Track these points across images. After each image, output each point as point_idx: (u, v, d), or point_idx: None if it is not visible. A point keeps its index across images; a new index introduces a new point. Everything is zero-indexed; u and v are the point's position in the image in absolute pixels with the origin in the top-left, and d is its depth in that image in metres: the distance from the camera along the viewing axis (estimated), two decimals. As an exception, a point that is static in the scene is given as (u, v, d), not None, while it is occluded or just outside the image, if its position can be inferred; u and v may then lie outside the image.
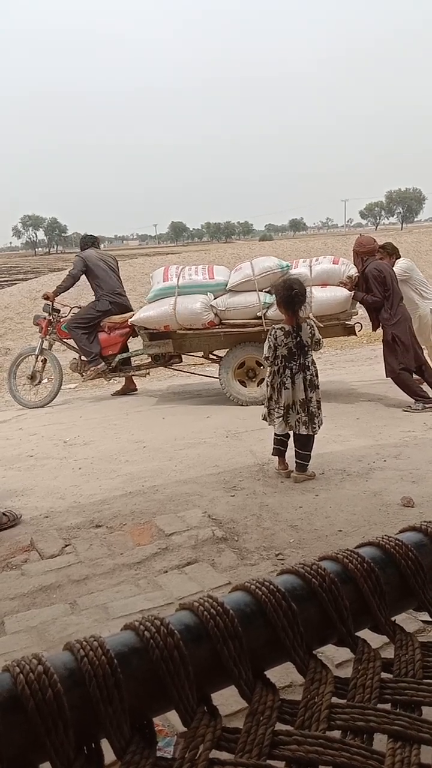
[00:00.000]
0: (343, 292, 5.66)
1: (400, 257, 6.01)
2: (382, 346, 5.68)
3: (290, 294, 3.82)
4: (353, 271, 5.79)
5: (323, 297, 5.65)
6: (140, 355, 6.53)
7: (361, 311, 6.00)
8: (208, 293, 5.86)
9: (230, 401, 5.91)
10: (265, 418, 4.02)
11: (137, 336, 6.37)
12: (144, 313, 5.96)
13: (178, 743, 0.38)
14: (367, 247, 5.61)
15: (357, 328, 5.99)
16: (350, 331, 5.98)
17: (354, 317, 5.96)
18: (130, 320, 6.19)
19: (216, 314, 5.81)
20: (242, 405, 5.83)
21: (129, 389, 6.98)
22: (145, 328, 6.02)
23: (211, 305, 5.78)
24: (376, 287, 5.41)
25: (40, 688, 0.34)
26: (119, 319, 6.49)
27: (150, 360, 6.45)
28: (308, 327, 3.90)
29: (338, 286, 5.70)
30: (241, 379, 6.02)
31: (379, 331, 5.74)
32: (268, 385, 3.98)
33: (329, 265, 5.86)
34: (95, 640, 0.37)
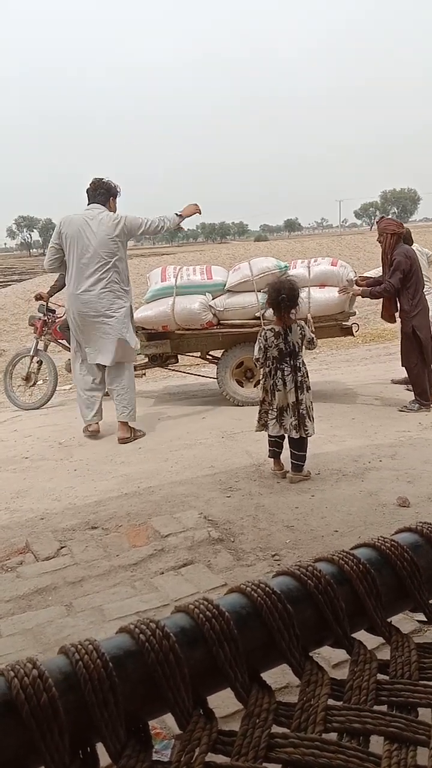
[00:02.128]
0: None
1: (412, 243, 5.91)
2: (400, 337, 5.54)
3: (277, 297, 3.81)
4: (352, 275, 5.80)
5: (322, 298, 5.65)
6: (137, 355, 6.51)
7: (359, 311, 5.93)
8: (206, 293, 5.85)
9: (226, 402, 5.92)
10: (260, 429, 4.00)
11: None
12: (142, 313, 5.94)
13: (176, 746, 0.37)
14: (401, 229, 5.48)
15: (354, 329, 5.98)
16: (347, 331, 5.99)
17: (352, 318, 5.96)
18: None
19: (214, 314, 5.80)
20: (239, 405, 5.83)
21: None
22: (143, 329, 6.01)
23: (209, 305, 5.78)
24: (396, 273, 5.26)
25: (34, 692, 0.34)
26: None
27: (147, 360, 6.45)
28: (298, 328, 3.88)
29: (338, 293, 5.65)
30: (239, 379, 6.02)
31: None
32: (261, 389, 3.98)
33: (328, 267, 5.85)
34: (90, 644, 0.37)
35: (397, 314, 5.56)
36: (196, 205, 5.20)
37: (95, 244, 4.72)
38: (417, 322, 5.31)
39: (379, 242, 5.52)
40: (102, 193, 4.86)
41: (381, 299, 5.57)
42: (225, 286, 5.89)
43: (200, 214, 5.20)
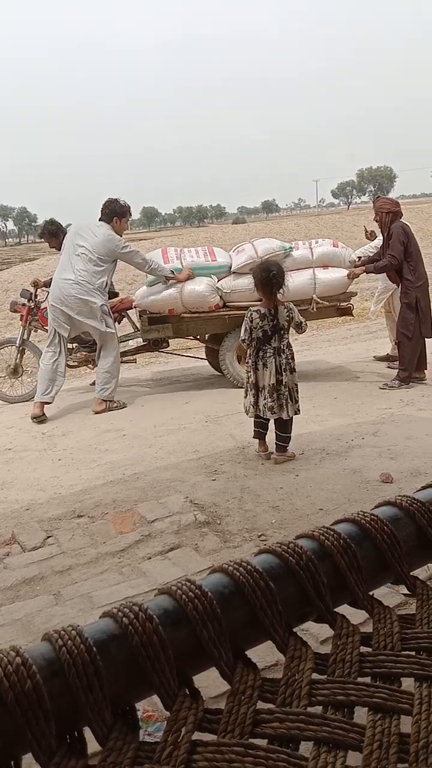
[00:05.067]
0: (344, 273, 5.68)
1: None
2: (399, 309, 5.59)
3: (267, 276, 3.77)
4: (354, 256, 5.87)
5: (327, 278, 5.65)
6: (135, 339, 6.40)
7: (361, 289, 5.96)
8: (212, 275, 5.76)
9: (209, 386, 5.90)
10: (247, 410, 3.98)
11: (120, 322, 6.28)
12: (149, 296, 5.76)
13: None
14: (396, 207, 5.58)
15: (351, 308, 6.01)
16: (345, 311, 6.00)
17: (352, 298, 6.00)
18: (134, 304, 6.06)
19: (220, 297, 5.71)
20: (241, 387, 5.77)
21: None
22: (148, 312, 5.85)
23: (216, 288, 5.70)
24: (396, 245, 5.35)
25: (18, 679, 0.34)
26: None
27: (137, 346, 6.37)
28: (285, 310, 3.86)
29: (348, 278, 5.69)
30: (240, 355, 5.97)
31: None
32: (247, 370, 3.97)
33: (330, 248, 5.84)
34: (73, 629, 0.37)
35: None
36: (190, 271, 5.76)
37: (87, 246, 5.55)
38: (420, 292, 5.40)
39: (376, 221, 5.60)
40: (107, 213, 5.69)
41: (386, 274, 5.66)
42: (229, 267, 5.80)
43: (193, 277, 5.75)
